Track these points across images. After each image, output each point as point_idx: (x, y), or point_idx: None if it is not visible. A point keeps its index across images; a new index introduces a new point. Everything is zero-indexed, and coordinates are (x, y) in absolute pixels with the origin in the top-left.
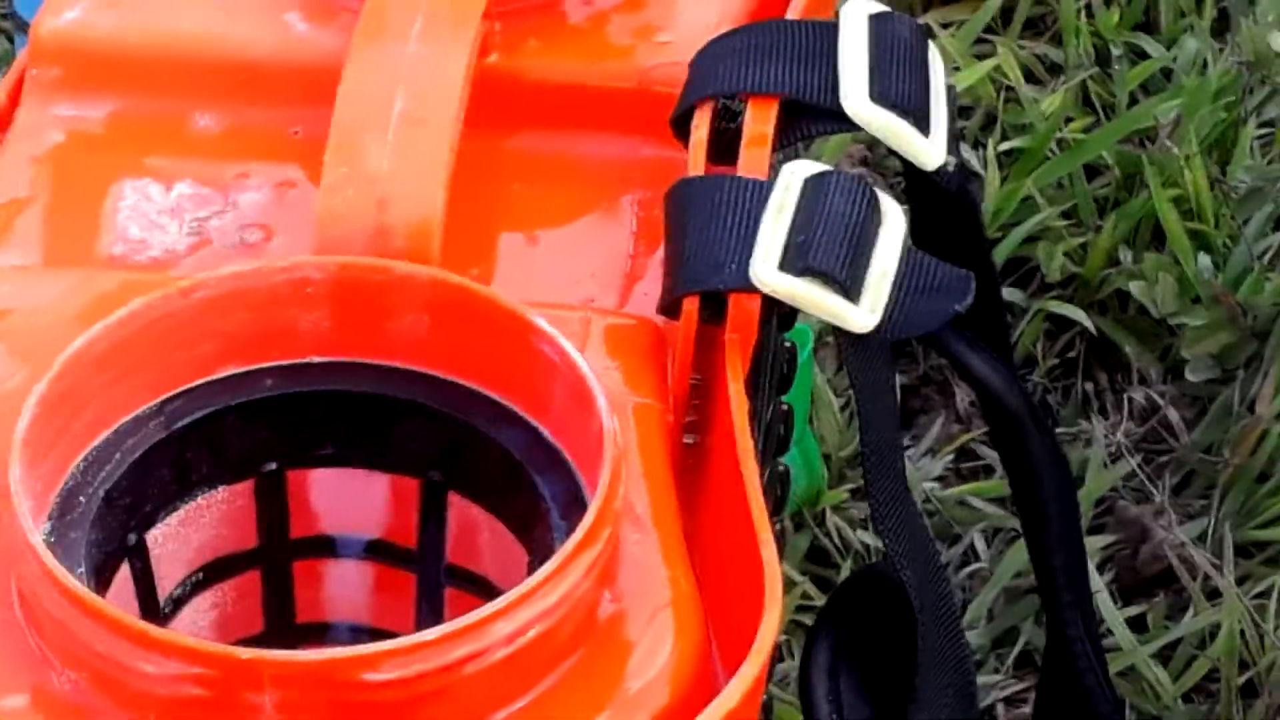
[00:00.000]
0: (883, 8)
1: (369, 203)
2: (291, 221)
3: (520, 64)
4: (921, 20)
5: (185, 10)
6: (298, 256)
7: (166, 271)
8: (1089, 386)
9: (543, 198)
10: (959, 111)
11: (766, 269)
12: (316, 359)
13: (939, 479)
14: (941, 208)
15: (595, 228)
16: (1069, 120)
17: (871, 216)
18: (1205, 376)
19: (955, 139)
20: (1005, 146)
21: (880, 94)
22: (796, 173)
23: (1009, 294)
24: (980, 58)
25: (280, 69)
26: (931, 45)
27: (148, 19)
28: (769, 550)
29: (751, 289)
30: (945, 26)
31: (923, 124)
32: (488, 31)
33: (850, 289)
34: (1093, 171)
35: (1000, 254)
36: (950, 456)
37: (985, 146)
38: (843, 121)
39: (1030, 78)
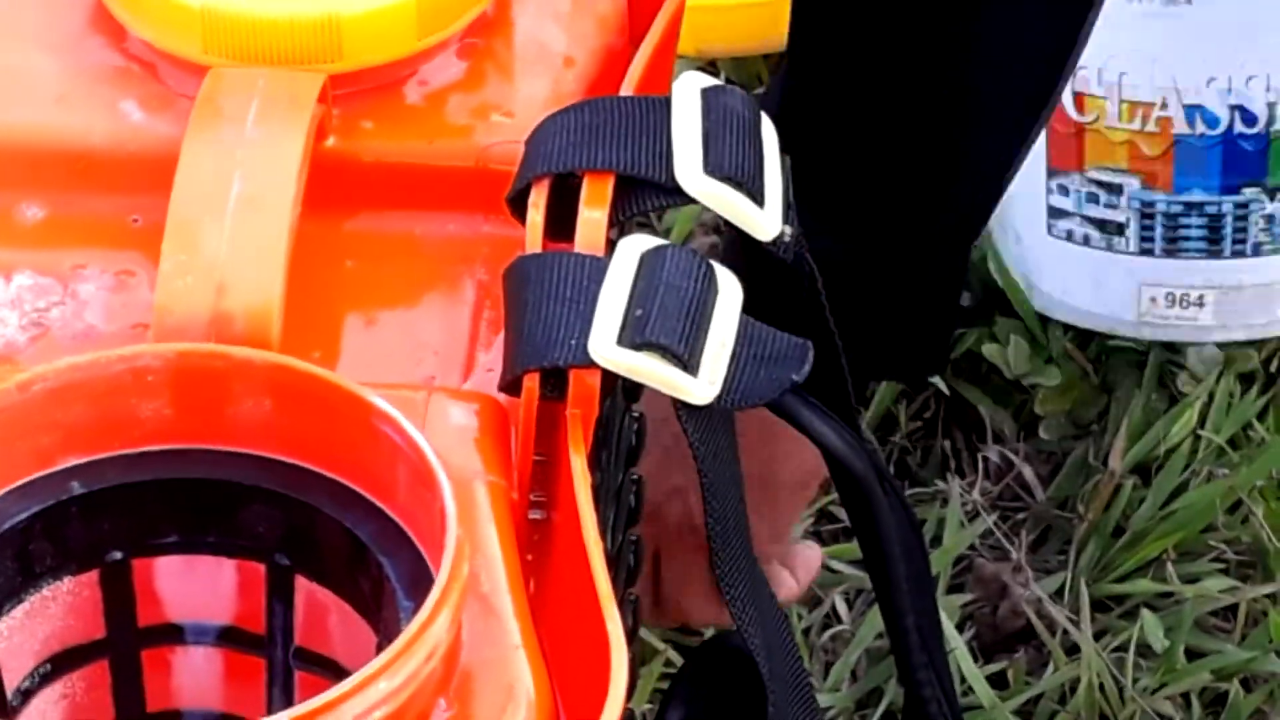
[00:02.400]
0: (716, 82)
1: (207, 289)
2: (132, 310)
3: (358, 145)
4: (767, 87)
5: (19, 100)
6: (137, 345)
7: (7, 364)
8: (946, 444)
9: (383, 277)
10: None
11: (605, 344)
12: (158, 447)
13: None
14: (779, 277)
15: (436, 306)
16: None
17: (708, 289)
18: (1059, 435)
19: (790, 208)
20: None
21: (714, 167)
22: (633, 248)
23: None
24: None
25: (117, 157)
26: (764, 117)
27: None
28: (614, 624)
29: (591, 364)
30: None
31: (757, 195)
32: (324, 115)
33: (689, 361)
34: None
35: None
36: (810, 520)
37: None
38: (678, 195)
39: None
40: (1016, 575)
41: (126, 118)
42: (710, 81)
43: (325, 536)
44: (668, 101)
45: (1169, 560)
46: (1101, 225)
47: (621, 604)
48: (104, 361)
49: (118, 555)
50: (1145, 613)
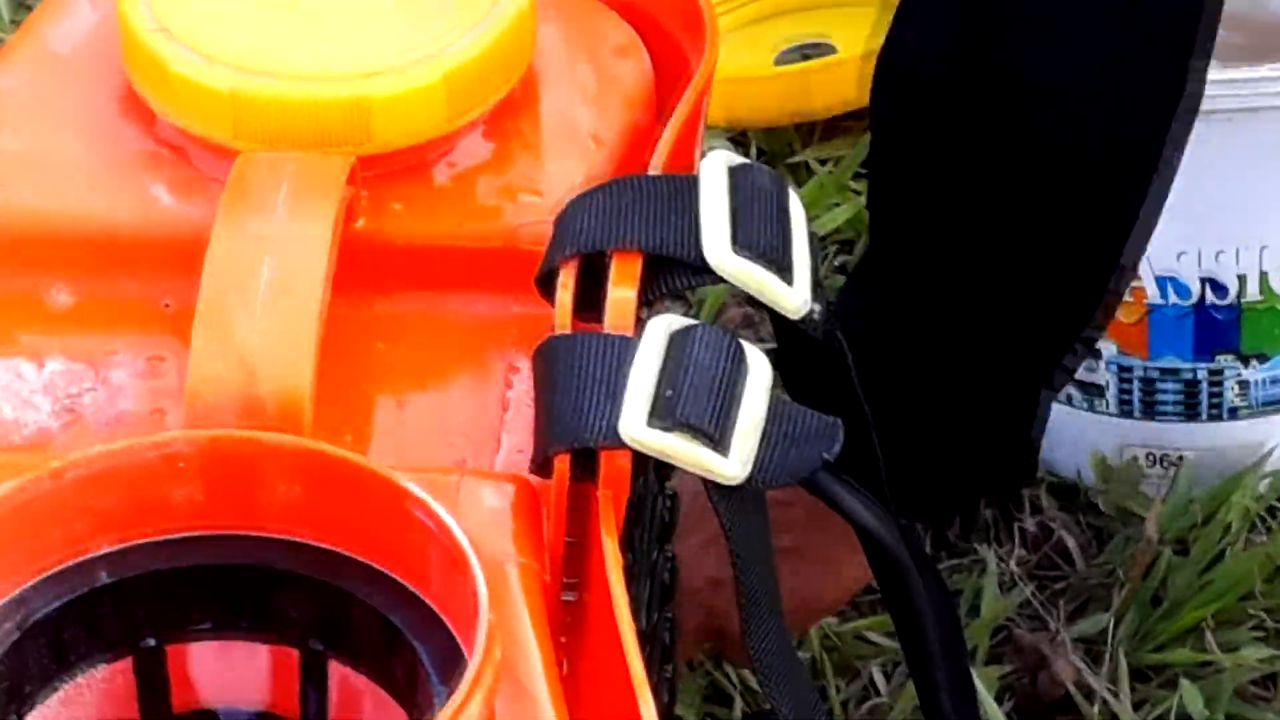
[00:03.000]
0: (742, 159)
1: (238, 374)
2: (164, 395)
3: (387, 227)
4: (800, 157)
5: (50, 185)
6: (169, 431)
7: (41, 450)
8: (986, 512)
9: (414, 359)
10: (841, 245)
11: (635, 424)
12: (191, 533)
13: (836, 614)
14: (810, 353)
15: (466, 387)
16: None
17: (737, 368)
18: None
19: (819, 285)
20: None
21: (742, 245)
22: (662, 327)
23: None
24: (860, 192)
25: (148, 241)
26: (791, 193)
27: (12, 195)
28: (647, 707)
29: (621, 445)
30: (823, 163)
31: (785, 272)
32: (353, 197)
33: (719, 441)
34: None
35: None
36: None
37: None
38: (707, 273)
39: None
40: (1055, 645)
41: (157, 202)
42: (738, 159)
43: (358, 621)
44: (695, 180)
45: (1208, 629)
46: (1083, 387)
47: (655, 685)
48: (136, 448)
49: (151, 641)
50: (1184, 682)
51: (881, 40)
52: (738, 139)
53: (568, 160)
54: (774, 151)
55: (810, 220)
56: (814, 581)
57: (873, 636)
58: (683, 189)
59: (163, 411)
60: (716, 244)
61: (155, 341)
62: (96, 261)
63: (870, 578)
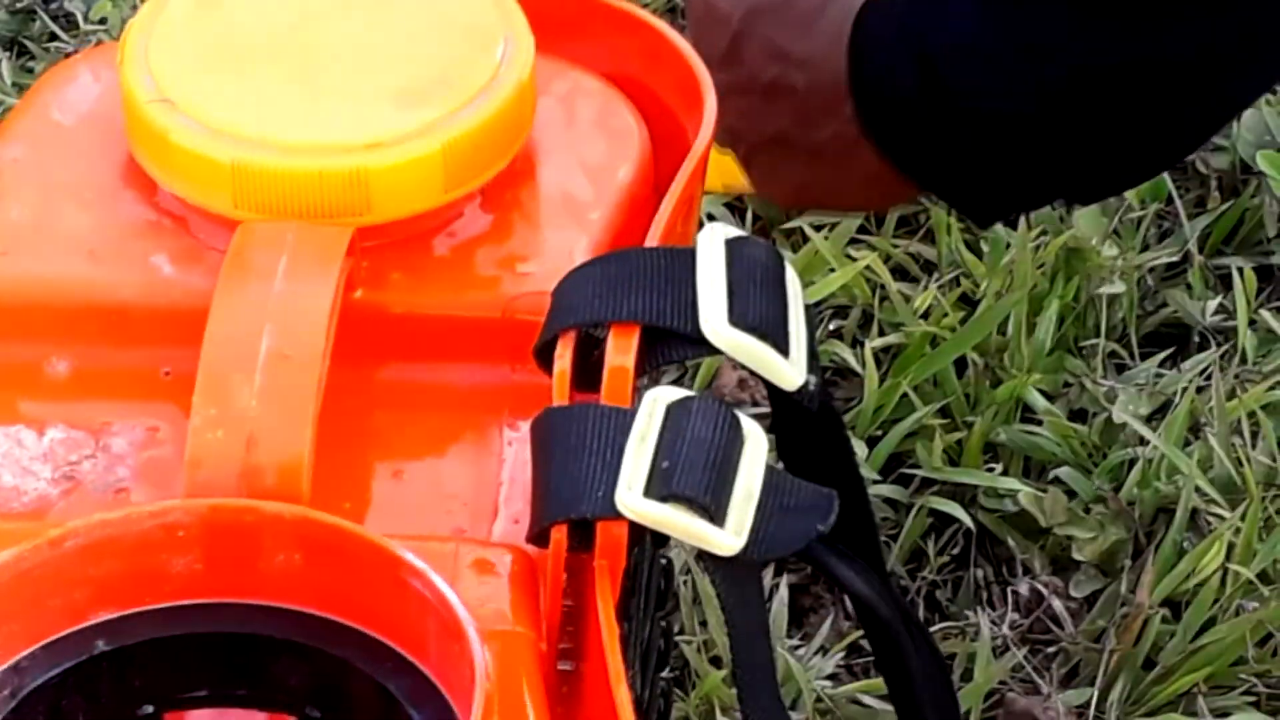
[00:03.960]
0: (739, 232)
1: (238, 443)
2: (163, 463)
3: (386, 297)
4: (796, 223)
5: (52, 254)
6: (168, 500)
7: (40, 518)
8: (977, 575)
9: (412, 428)
10: (837, 311)
11: (632, 496)
12: (189, 601)
13: (831, 677)
14: (806, 425)
15: (464, 456)
16: (944, 315)
17: (734, 440)
18: (1091, 584)
19: (814, 357)
20: (881, 344)
21: (739, 318)
22: (659, 399)
23: (892, 491)
24: (854, 258)
25: (149, 311)
26: (788, 266)
27: (15, 264)
28: None
29: (618, 516)
30: (819, 229)
31: (782, 345)
32: (353, 267)
33: (715, 513)
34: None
35: (882, 450)
36: (841, 654)
37: (863, 345)
38: (703, 346)
39: (905, 275)
40: (1047, 710)
41: (158, 271)
42: (734, 232)
43: (356, 690)
44: (693, 252)
45: (1200, 694)
46: None
47: None
48: (135, 517)
49: (149, 709)
50: None
51: None
52: (735, 204)
53: (566, 232)
54: (770, 218)
55: (806, 286)
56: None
57: (867, 700)
58: (680, 262)
59: (162, 479)
60: (713, 317)
61: (155, 409)
62: (98, 330)
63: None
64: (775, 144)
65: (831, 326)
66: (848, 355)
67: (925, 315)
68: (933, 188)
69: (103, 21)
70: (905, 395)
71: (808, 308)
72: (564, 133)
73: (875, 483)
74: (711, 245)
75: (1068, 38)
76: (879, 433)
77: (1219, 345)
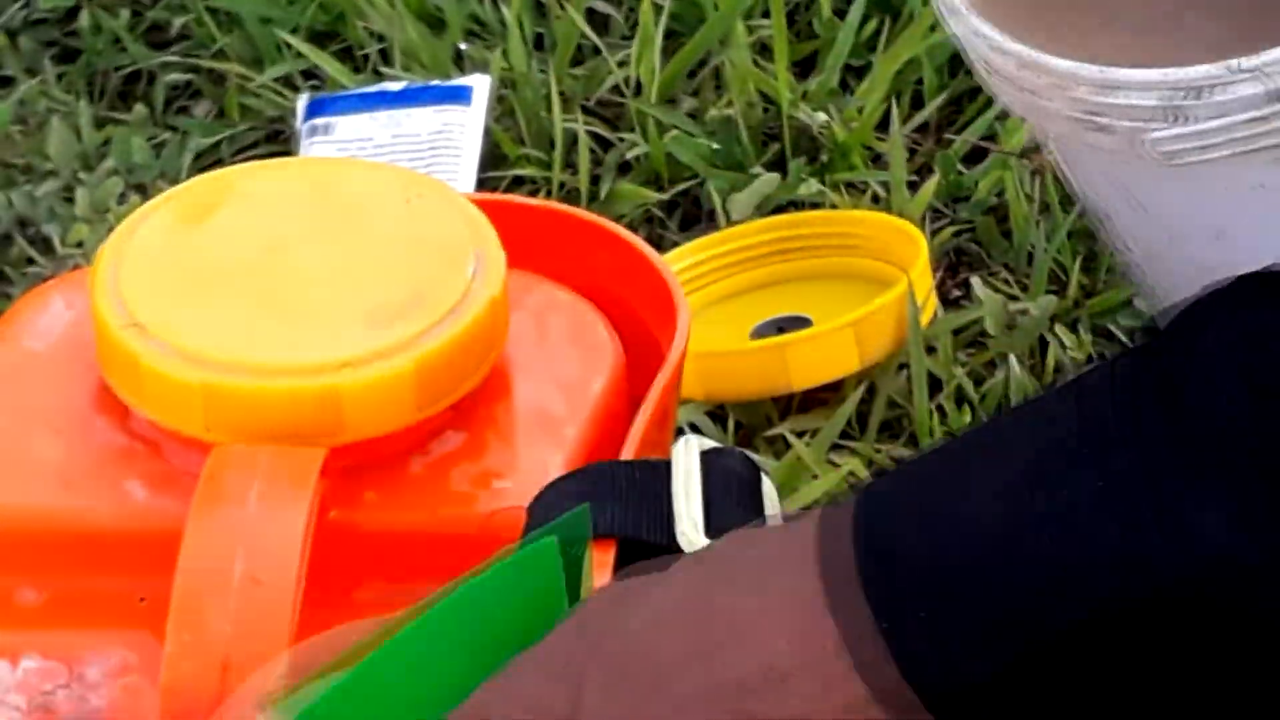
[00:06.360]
0: (714, 444)
1: (212, 670)
2: (139, 691)
3: (361, 517)
4: (778, 429)
5: (23, 483)
6: None
7: None
8: None
9: None
10: None
11: None
12: None
13: None
14: None
15: None
16: None
17: None
18: None
19: None
20: None
21: (716, 531)
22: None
23: None
24: (837, 464)
25: (123, 537)
26: (765, 478)
27: None
28: None
29: None
30: (800, 435)
31: None
32: (326, 489)
33: None
34: None
35: None
36: None
37: None
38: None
39: None
40: None
41: (131, 497)
42: (709, 444)
43: None
44: (668, 465)
45: None
46: None
47: None
48: None
49: None
50: None
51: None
52: (716, 412)
53: (540, 447)
54: (751, 424)
55: (790, 493)
56: None
57: None
58: (656, 474)
59: (138, 708)
60: (689, 530)
61: (129, 637)
62: (73, 558)
63: None
64: None
65: None
66: None
67: None
68: None
69: (79, 245)
70: None
71: (785, 518)
72: (537, 347)
73: None
74: (686, 457)
75: None
76: None
77: None
